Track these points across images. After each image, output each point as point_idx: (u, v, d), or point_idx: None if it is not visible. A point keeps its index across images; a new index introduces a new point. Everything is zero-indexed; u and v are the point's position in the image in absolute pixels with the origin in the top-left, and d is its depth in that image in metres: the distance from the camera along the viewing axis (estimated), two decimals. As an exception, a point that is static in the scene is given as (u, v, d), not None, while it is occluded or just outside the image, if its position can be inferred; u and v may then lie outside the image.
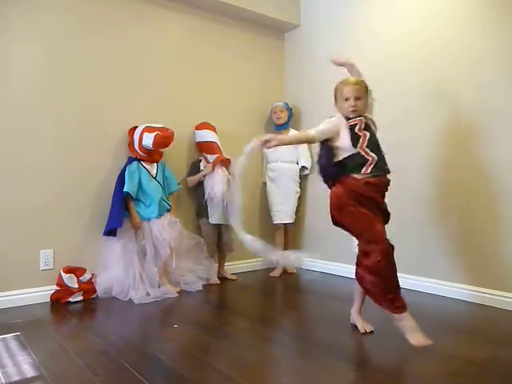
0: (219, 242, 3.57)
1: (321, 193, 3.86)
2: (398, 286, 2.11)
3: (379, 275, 2.06)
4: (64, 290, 2.87)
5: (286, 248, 3.92)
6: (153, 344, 2.15)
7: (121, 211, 3.03)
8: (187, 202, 3.61)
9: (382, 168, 2.21)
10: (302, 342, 2.19)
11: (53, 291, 2.88)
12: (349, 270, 3.56)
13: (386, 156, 2.23)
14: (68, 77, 3.03)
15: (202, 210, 3.49)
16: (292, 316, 2.72)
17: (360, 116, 2.23)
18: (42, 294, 2.87)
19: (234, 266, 3.78)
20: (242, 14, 3.80)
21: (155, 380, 1.75)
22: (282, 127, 3.86)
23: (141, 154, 3.14)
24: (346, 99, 2.25)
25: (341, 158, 2.25)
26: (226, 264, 3.68)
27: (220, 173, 3.42)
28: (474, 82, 2.82)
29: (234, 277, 3.61)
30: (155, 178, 3.18)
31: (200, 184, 3.47)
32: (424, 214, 3.12)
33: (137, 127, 3.15)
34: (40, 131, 2.91)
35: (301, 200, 3.97)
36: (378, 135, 2.27)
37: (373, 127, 2.26)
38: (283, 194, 3.80)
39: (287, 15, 4.01)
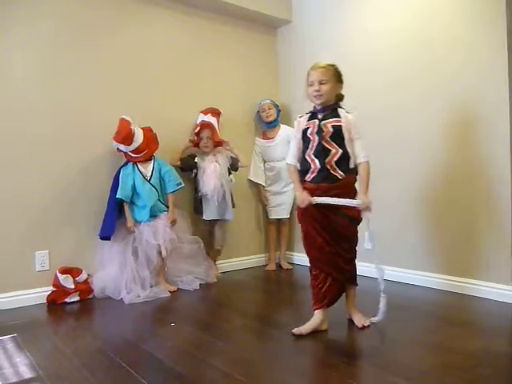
0: (211, 238, 3.57)
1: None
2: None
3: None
4: (60, 291, 2.86)
5: (280, 242, 3.95)
6: (150, 343, 2.15)
7: (114, 217, 3.02)
8: (185, 198, 3.60)
9: (322, 176, 2.17)
10: (298, 338, 2.19)
11: (49, 292, 2.87)
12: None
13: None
14: (64, 76, 3.02)
15: (197, 206, 3.50)
16: (289, 312, 2.73)
17: (325, 105, 2.20)
18: (38, 295, 2.86)
19: (229, 264, 3.79)
20: (233, 10, 3.78)
21: (153, 378, 1.75)
22: (272, 124, 3.85)
23: (133, 155, 3.09)
24: (311, 84, 2.20)
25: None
26: (222, 261, 3.71)
27: (212, 168, 3.42)
28: (463, 75, 2.83)
29: (217, 273, 3.57)
30: (149, 181, 3.13)
31: (196, 178, 3.48)
32: (407, 208, 3.18)
33: None
34: (36, 130, 2.90)
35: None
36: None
37: (328, 129, 2.16)
38: (281, 191, 3.83)
39: (279, 11, 3.99)
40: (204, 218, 3.45)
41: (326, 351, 1.99)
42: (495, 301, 2.64)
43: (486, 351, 1.93)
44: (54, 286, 2.89)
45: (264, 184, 3.90)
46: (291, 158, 2.31)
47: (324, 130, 2.16)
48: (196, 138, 3.50)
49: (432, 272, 3.03)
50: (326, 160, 2.15)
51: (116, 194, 3.02)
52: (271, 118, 3.82)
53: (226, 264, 3.77)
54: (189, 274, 3.27)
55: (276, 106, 3.87)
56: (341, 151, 2.16)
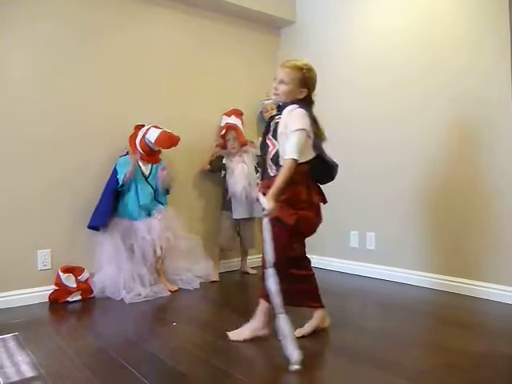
0: (240, 237, 3.66)
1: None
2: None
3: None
4: (62, 290, 2.86)
5: None
6: (151, 342, 2.16)
7: (108, 207, 3.02)
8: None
9: (264, 173, 2.17)
10: (300, 338, 2.19)
11: (51, 291, 2.87)
12: (347, 265, 3.60)
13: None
14: (64, 77, 3.01)
15: (225, 204, 3.56)
16: (289, 312, 2.72)
17: (280, 105, 2.13)
18: (40, 294, 2.86)
19: (230, 264, 3.80)
20: (237, 10, 3.78)
21: (154, 378, 1.76)
22: None
23: (140, 150, 3.09)
24: (274, 79, 2.13)
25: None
26: (224, 261, 3.72)
27: (240, 168, 3.47)
28: (466, 76, 2.83)
29: (253, 271, 3.71)
30: (147, 180, 3.13)
31: (225, 178, 3.54)
32: (407, 209, 3.19)
33: (144, 125, 3.14)
34: (37, 130, 2.90)
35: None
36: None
37: (272, 126, 2.12)
38: None
39: (283, 11, 3.99)
40: (234, 217, 3.51)
41: (326, 351, 1.99)
42: (495, 301, 2.64)
43: (486, 352, 1.93)
44: (55, 284, 2.89)
45: None
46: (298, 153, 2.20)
47: (271, 127, 2.14)
48: (222, 140, 3.58)
49: (432, 272, 3.03)
50: (266, 156, 2.14)
51: (113, 184, 3.01)
52: None
53: (228, 264, 3.77)
54: (188, 272, 3.27)
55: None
56: (277, 148, 2.08)
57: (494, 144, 2.71)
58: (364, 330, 2.25)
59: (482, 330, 2.24)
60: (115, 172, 3.06)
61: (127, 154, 3.12)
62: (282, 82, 2.08)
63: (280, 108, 2.15)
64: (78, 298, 2.89)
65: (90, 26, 3.13)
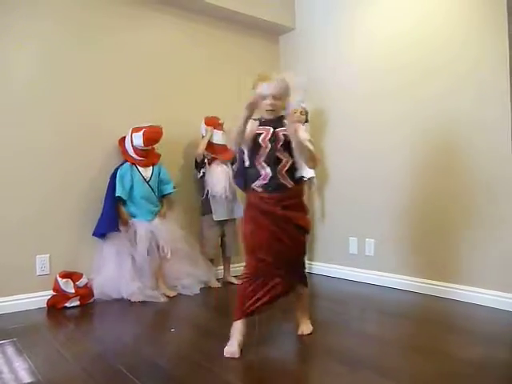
0: (222, 244, 3.56)
1: (322, 198, 3.89)
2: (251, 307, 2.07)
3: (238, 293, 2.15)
4: (60, 296, 2.85)
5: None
6: (150, 348, 2.15)
7: (113, 215, 3.04)
8: (192, 200, 3.61)
9: (274, 185, 2.03)
10: (299, 344, 2.19)
11: (49, 296, 2.87)
12: (346, 272, 3.60)
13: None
14: (64, 80, 3.03)
15: (204, 208, 3.47)
16: (289, 318, 2.72)
17: (272, 120, 2.09)
18: (38, 299, 2.85)
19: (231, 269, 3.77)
20: (236, 17, 3.81)
21: (152, 384, 1.75)
22: None
23: (137, 158, 3.13)
24: (264, 97, 2.09)
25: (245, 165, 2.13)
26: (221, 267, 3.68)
27: (219, 169, 3.42)
28: (467, 82, 2.84)
29: (238, 281, 3.57)
30: (148, 182, 3.16)
31: (202, 181, 3.46)
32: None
33: (125, 137, 3.16)
34: (33, 136, 2.90)
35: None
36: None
37: (281, 138, 2.05)
38: None
39: (282, 18, 4.02)
40: (214, 218, 3.41)
41: (325, 357, 1.98)
42: (496, 309, 2.64)
43: (486, 358, 1.92)
44: (54, 290, 2.88)
45: None
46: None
47: (280, 137, 2.12)
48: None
49: (431, 279, 3.03)
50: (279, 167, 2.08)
51: (114, 193, 3.03)
52: None
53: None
54: (189, 276, 3.25)
55: None
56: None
57: (486, 153, 2.72)
58: (363, 337, 2.24)
59: (482, 336, 2.23)
60: (114, 181, 3.07)
61: (124, 163, 3.13)
62: (278, 98, 2.09)
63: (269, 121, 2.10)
64: (77, 303, 2.88)
65: (86, 29, 3.15)
